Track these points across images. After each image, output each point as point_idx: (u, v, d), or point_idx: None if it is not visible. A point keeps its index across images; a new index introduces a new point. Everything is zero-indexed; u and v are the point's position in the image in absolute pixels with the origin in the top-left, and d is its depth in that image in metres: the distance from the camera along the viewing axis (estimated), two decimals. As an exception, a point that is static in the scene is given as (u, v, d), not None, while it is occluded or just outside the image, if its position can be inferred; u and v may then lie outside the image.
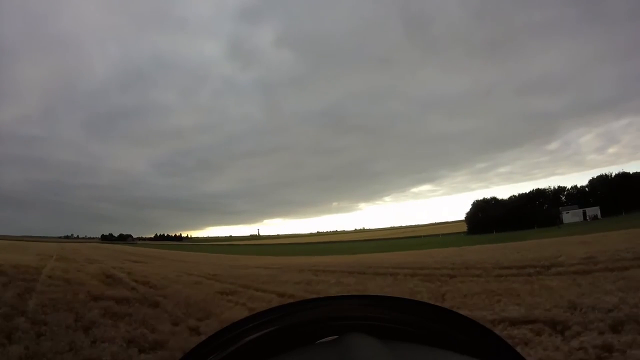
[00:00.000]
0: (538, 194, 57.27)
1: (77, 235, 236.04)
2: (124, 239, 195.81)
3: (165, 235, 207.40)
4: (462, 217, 64.17)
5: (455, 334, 0.49)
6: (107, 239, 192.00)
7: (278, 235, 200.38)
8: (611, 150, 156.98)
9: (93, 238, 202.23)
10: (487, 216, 54.10)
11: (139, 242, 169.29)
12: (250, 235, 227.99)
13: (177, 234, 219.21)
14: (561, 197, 57.48)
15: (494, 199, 58.66)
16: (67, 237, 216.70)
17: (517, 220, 49.16)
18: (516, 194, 59.06)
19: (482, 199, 59.88)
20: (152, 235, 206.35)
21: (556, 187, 57.81)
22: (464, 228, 58.90)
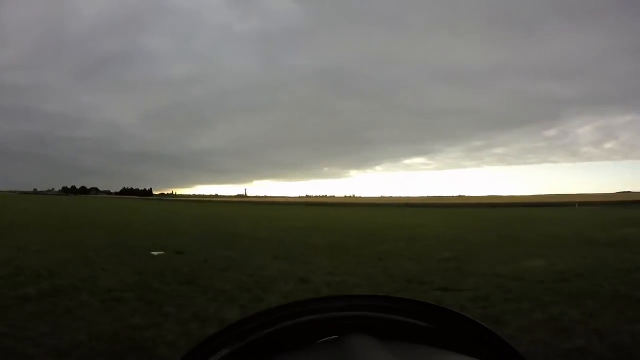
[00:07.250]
0: None
1: (53, 188, 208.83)
2: (87, 192, 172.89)
3: (134, 189, 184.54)
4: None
5: (455, 334, 0.48)
6: (68, 191, 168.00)
7: (265, 196, 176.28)
8: (607, 145, 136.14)
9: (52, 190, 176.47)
10: None
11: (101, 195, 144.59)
12: (237, 195, 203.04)
13: (148, 189, 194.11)
14: None
15: None
16: (35, 190, 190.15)
17: None
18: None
19: None
20: (119, 189, 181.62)
21: None
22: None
